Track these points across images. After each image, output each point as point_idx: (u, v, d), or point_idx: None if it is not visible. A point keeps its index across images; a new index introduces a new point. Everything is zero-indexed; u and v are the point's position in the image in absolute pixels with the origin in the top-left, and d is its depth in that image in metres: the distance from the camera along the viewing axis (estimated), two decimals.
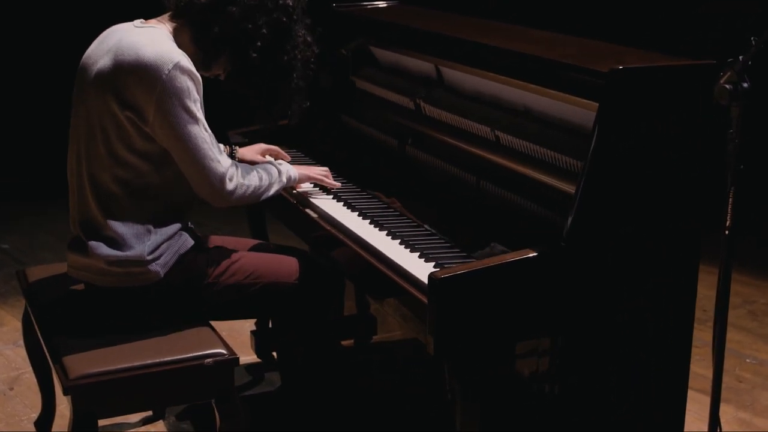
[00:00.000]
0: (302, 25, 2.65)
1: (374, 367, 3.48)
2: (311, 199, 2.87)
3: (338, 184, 2.91)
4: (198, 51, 2.53)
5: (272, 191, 2.70)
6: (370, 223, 2.65)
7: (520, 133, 2.56)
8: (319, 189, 2.95)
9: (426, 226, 2.63)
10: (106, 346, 2.49)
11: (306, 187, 2.93)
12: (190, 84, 2.43)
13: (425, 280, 2.20)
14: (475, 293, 2.15)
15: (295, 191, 2.93)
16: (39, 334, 2.68)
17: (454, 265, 2.29)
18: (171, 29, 2.55)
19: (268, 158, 3.05)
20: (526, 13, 4.21)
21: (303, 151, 3.36)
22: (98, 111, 2.48)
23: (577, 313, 2.23)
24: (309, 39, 2.67)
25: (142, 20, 2.59)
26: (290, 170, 2.79)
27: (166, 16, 2.60)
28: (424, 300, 2.18)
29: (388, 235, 2.56)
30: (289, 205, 2.92)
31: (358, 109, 3.39)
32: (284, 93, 2.67)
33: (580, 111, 2.37)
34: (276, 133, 3.35)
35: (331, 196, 2.90)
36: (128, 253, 2.49)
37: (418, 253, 2.41)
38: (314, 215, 2.81)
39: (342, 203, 2.83)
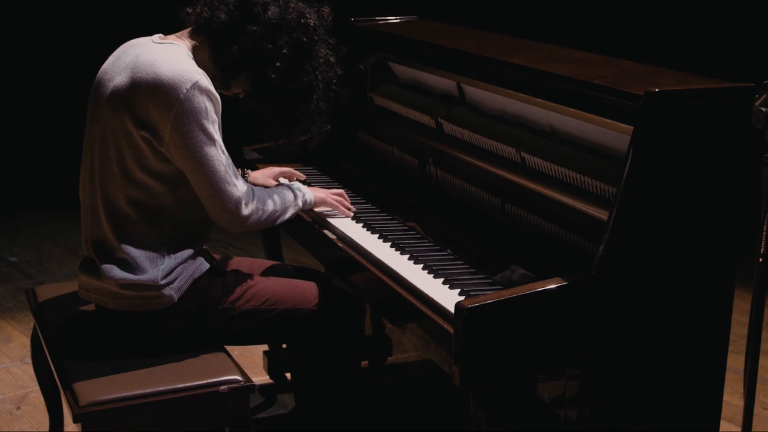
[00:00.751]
0: (325, 45, 2.57)
1: (390, 388, 3.39)
2: (329, 220, 2.79)
3: (351, 213, 2.83)
4: (217, 69, 2.45)
5: (287, 215, 2.62)
6: (391, 246, 2.57)
7: (547, 155, 2.48)
8: None
9: (449, 250, 2.55)
10: (118, 371, 2.41)
11: (322, 207, 2.84)
12: (208, 104, 2.36)
13: (451, 308, 2.13)
14: (502, 323, 2.07)
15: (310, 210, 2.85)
16: (48, 357, 2.59)
17: (480, 294, 2.21)
18: (190, 46, 2.48)
19: (283, 181, 2.97)
20: (545, 29, 4.13)
21: (319, 168, 3.28)
22: (113, 129, 2.41)
23: (607, 341, 2.14)
24: (332, 59, 2.59)
25: (161, 35, 2.52)
26: (306, 194, 2.71)
27: (185, 32, 2.52)
28: (450, 329, 2.10)
29: (410, 259, 2.48)
30: (305, 224, 2.84)
31: (376, 126, 3.32)
32: (304, 114, 2.59)
33: (612, 133, 2.29)
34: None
35: (351, 215, 2.82)
36: (141, 276, 2.41)
37: (442, 279, 2.33)
38: (332, 236, 2.73)
39: (361, 224, 2.75)
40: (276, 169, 3.00)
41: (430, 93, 3.14)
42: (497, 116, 2.78)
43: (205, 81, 2.36)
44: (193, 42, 2.49)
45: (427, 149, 3.01)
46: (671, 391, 2.26)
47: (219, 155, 2.40)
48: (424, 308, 2.24)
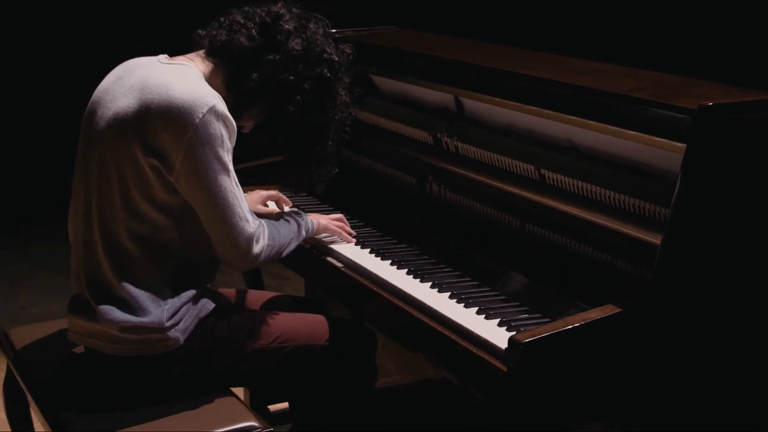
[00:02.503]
0: (342, 84, 2.40)
1: (384, 413, 3.23)
2: (332, 246, 2.62)
3: (353, 239, 2.66)
4: (230, 96, 2.26)
5: (292, 247, 2.44)
6: (408, 273, 2.42)
7: (570, 172, 2.36)
8: None
9: (470, 276, 2.41)
10: (124, 424, 2.20)
11: (323, 233, 2.67)
12: (224, 131, 2.17)
13: (497, 342, 2.00)
14: (558, 354, 1.95)
15: None
16: (39, 412, 2.35)
17: (521, 324, 2.08)
18: (203, 69, 2.28)
19: (271, 205, 2.79)
20: (529, 37, 4.01)
21: (305, 190, 3.10)
22: (116, 156, 2.20)
23: (664, 369, 2.04)
24: (347, 100, 2.42)
25: (166, 56, 2.32)
26: (308, 222, 2.54)
27: (196, 54, 2.33)
28: (495, 363, 1.97)
29: (434, 287, 2.33)
30: (304, 252, 2.66)
31: (362, 143, 3.15)
32: (316, 156, 2.42)
33: (646, 149, 2.18)
34: (272, 169, 3.10)
35: (354, 242, 2.65)
36: (144, 319, 2.21)
37: (475, 309, 2.19)
38: (338, 264, 2.56)
39: (368, 250, 2.58)
40: (263, 193, 2.81)
41: (420, 107, 2.99)
42: (503, 131, 2.65)
43: (222, 106, 2.17)
44: (207, 65, 2.29)
45: (424, 167, 2.87)
46: (726, 419, 2.16)
47: (233, 187, 2.21)
48: (462, 341, 2.09)
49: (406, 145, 2.95)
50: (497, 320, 2.13)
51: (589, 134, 2.33)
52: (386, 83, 3.17)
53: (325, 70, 2.35)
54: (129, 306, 2.22)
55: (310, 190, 2.83)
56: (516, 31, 3.89)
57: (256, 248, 2.28)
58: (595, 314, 1.97)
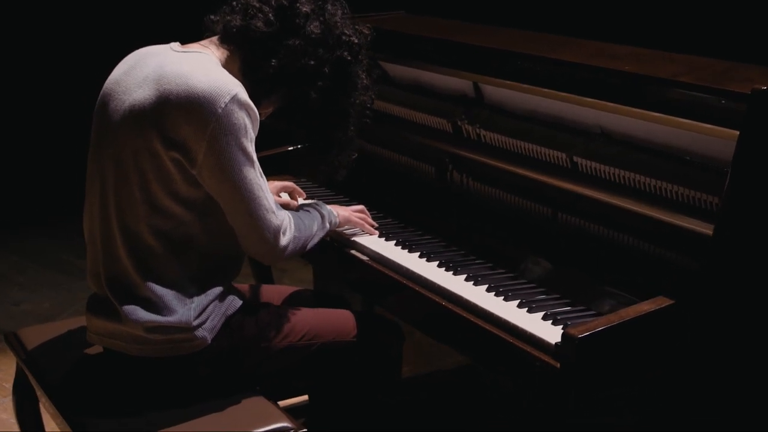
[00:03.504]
0: (362, 67, 2.32)
1: (402, 404, 3.15)
2: (355, 239, 2.54)
3: (376, 231, 2.58)
4: (248, 84, 2.15)
5: (317, 240, 2.36)
6: (440, 266, 2.34)
7: (605, 159, 2.30)
8: None
9: (503, 267, 2.34)
10: (149, 428, 2.11)
11: (346, 226, 2.58)
12: (247, 120, 2.08)
13: (545, 336, 1.94)
14: (612, 346, 1.89)
15: None
16: (58, 414, 2.25)
17: (567, 318, 2.02)
18: (218, 56, 2.18)
19: (284, 197, 2.70)
20: (538, 20, 3.89)
21: (316, 180, 3.01)
22: (134, 150, 2.10)
23: (716, 361, 1.98)
24: (367, 83, 2.34)
25: (178, 44, 2.22)
26: (331, 214, 2.45)
27: (210, 40, 2.23)
28: (549, 361, 1.90)
29: (468, 280, 2.25)
30: (325, 245, 2.57)
31: (375, 131, 3.05)
32: (337, 142, 2.34)
33: (687, 134, 2.12)
34: (285, 159, 3.02)
35: (377, 234, 2.57)
36: (171, 318, 2.11)
37: (516, 302, 2.12)
38: (363, 257, 2.48)
39: (394, 242, 2.50)
40: (277, 184, 2.72)
41: (436, 94, 2.91)
42: (527, 117, 2.58)
43: (244, 94, 2.08)
44: (222, 52, 2.20)
45: (443, 155, 2.79)
46: None
47: (258, 179, 2.12)
48: (506, 336, 2.02)
49: (423, 134, 2.88)
50: (541, 313, 2.06)
51: (624, 120, 2.26)
52: (397, 70, 3.08)
53: (345, 53, 2.26)
54: (154, 305, 2.12)
55: (327, 180, 2.74)
56: (521, 16, 3.80)
57: (284, 241, 2.20)
58: (648, 306, 1.92)
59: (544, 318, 2.04)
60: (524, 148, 2.51)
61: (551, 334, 1.95)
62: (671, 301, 1.92)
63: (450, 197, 2.75)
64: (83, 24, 5.95)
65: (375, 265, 2.44)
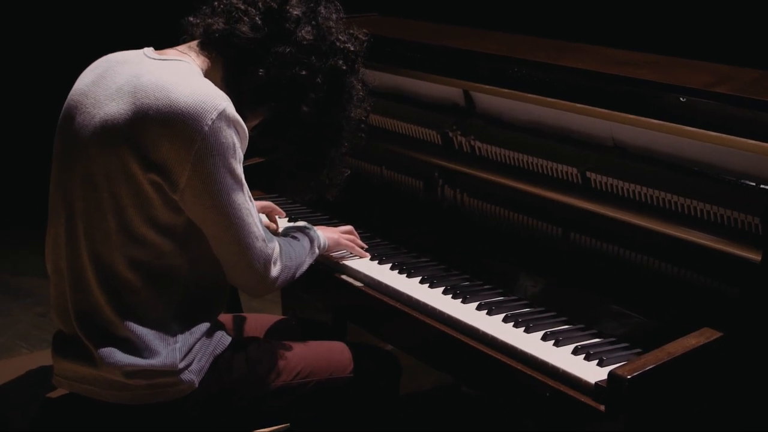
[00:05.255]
0: (358, 76, 2.10)
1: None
2: (345, 263, 2.32)
3: (366, 254, 2.36)
4: (232, 95, 1.90)
5: (305, 268, 2.13)
6: (446, 293, 2.14)
7: (622, 175, 2.12)
8: None
9: (516, 293, 2.15)
10: None
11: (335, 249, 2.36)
12: (236, 139, 1.84)
13: (581, 374, 1.76)
14: (660, 388, 1.71)
15: None
16: None
17: (602, 352, 1.84)
18: (199, 63, 1.94)
19: (263, 218, 2.46)
20: (521, 22, 3.66)
21: (282, 194, 2.77)
22: (107, 171, 1.85)
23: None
24: (363, 94, 2.12)
25: (152, 49, 1.97)
26: (320, 238, 2.23)
27: (189, 46, 1.99)
28: (590, 403, 1.71)
29: (481, 309, 2.06)
30: (311, 269, 2.34)
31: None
32: (329, 159, 2.11)
33: (713, 148, 1.96)
34: (261, 173, 2.78)
35: (368, 257, 2.35)
36: (153, 361, 1.87)
37: (539, 334, 1.94)
38: (356, 283, 2.27)
39: (389, 266, 2.29)
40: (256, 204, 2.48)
41: (420, 102, 2.70)
42: (527, 128, 2.39)
43: (232, 109, 1.84)
44: (203, 60, 1.95)
45: (432, 169, 2.59)
46: None
47: (247, 203, 1.89)
48: (532, 373, 1.84)
49: (407, 145, 2.67)
50: (569, 347, 1.87)
51: (641, 133, 2.09)
52: (374, 77, 2.85)
53: (340, 62, 2.04)
54: (134, 346, 1.87)
55: (316, 200, 2.51)
56: (509, 19, 3.61)
57: (274, 271, 1.97)
58: (695, 340, 1.75)
59: (575, 353, 1.85)
60: (527, 161, 2.32)
61: (588, 372, 1.77)
62: (719, 334, 1.76)
63: (442, 214, 2.55)
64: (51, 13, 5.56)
65: (370, 291, 2.23)
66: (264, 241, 1.94)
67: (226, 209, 1.86)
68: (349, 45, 2.06)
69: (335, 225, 2.46)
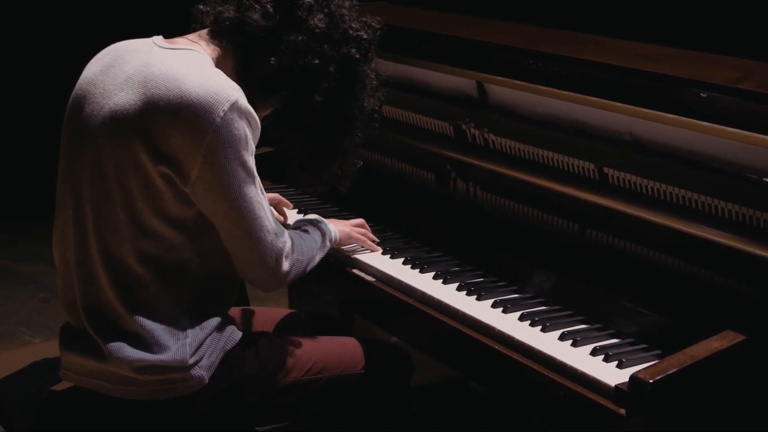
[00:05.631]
0: (371, 65, 2.05)
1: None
2: (357, 257, 2.28)
3: (378, 248, 2.32)
4: (243, 85, 1.86)
5: (316, 262, 2.09)
6: (461, 290, 2.10)
7: (641, 171, 2.08)
8: None
9: (531, 290, 2.11)
10: None
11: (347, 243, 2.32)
12: (248, 130, 1.80)
13: (600, 377, 1.72)
14: (683, 391, 1.68)
15: None
16: None
17: (630, 355, 1.80)
18: (209, 53, 1.89)
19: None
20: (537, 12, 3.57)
21: (292, 185, 2.73)
22: (117, 163, 1.80)
23: None
24: (376, 83, 2.07)
25: (161, 37, 1.92)
26: (331, 231, 2.19)
27: (199, 34, 1.94)
28: (610, 406, 1.68)
29: (496, 307, 2.02)
30: (321, 263, 2.30)
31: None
32: (342, 149, 2.07)
33: (736, 145, 1.92)
34: (269, 162, 2.73)
35: (380, 251, 2.31)
36: (163, 356, 1.83)
37: (556, 334, 1.90)
38: (368, 278, 2.23)
39: (402, 260, 2.25)
40: None
41: (431, 93, 2.65)
42: (543, 122, 2.35)
43: (244, 100, 1.80)
44: (214, 49, 1.91)
45: (444, 161, 2.55)
46: None
47: (259, 196, 1.85)
48: (549, 373, 1.80)
49: (418, 137, 2.62)
50: (588, 347, 1.84)
51: (662, 128, 2.05)
52: (385, 68, 2.81)
53: (353, 50, 1.99)
54: (143, 341, 1.84)
55: (328, 191, 2.47)
56: (524, 10, 3.54)
57: (286, 266, 1.94)
58: (719, 344, 1.71)
59: (594, 353, 1.82)
60: (543, 156, 2.28)
61: (607, 374, 1.73)
62: (742, 337, 1.72)
63: (454, 207, 2.51)
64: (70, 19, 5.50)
65: (382, 286, 2.19)
66: (276, 234, 1.90)
67: (237, 202, 1.82)
68: (362, 33, 2.01)
69: (345, 217, 2.42)
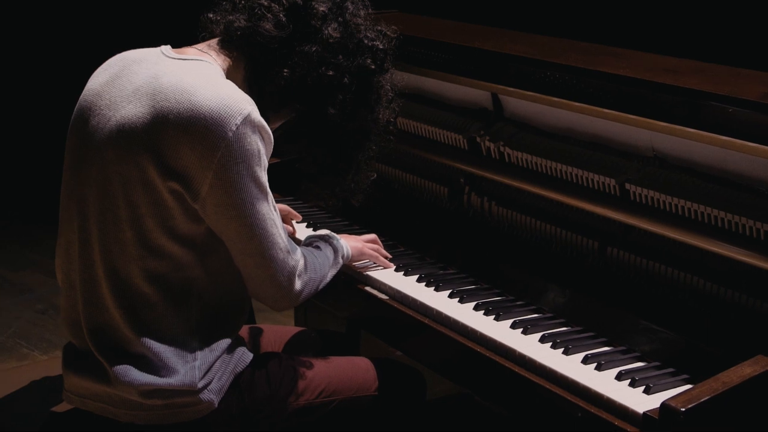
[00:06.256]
0: (387, 76, 1.98)
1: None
2: (370, 274, 2.21)
3: (391, 264, 2.26)
4: (255, 97, 1.79)
5: (328, 279, 2.03)
6: (478, 309, 2.03)
7: (665, 188, 2.02)
8: None
9: (547, 310, 2.05)
10: None
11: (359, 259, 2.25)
12: (260, 145, 1.74)
13: (628, 403, 1.66)
14: (714, 420, 1.61)
15: None
16: None
17: (656, 379, 1.74)
18: (219, 63, 1.82)
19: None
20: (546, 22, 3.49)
21: (304, 199, 2.67)
22: (124, 178, 1.74)
23: None
24: (392, 94, 2.00)
25: (169, 47, 1.85)
26: (344, 247, 2.12)
27: (208, 44, 1.87)
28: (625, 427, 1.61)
29: (515, 327, 1.95)
30: (334, 281, 2.23)
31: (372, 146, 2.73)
32: (356, 162, 2.01)
33: (747, 158, 1.87)
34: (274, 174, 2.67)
35: (393, 267, 2.25)
36: (171, 380, 1.76)
37: (579, 356, 1.83)
38: (381, 296, 2.16)
39: (416, 277, 2.18)
40: None
41: (444, 105, 2.59)
42: (561, 136, 2.28)
43: (257, 113, 1.73)
44: (224, 59, 1.84)
45: (458, 175, 2.49)
46: None
47: (271, 213, 1.78)
48: (573, 398, 1.73)
49: (431, 149, 2.56)
50: (613, 372, 1.77)
51: (687, 144, 1.99)
52: (396, 77, 2.74)
53: (368, 61, 1.92)
54: (151, 364, 1.77)
55: (341, 205, 2.40)
56: (533, 19, 3.48)
57: (298, 284, 1.87)
58: (751, 369, 1.65)
59: (619, 378, 1.75)
60: (562, 170, 2.21)
61: (635, 400, 1.67)
62: None
63: (468, 222, 2.44)
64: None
65: (396, 304, 2.13)
66: (288, 252, 1.83)
67: (249, 219, 1.75)
68: (378, 43, 1.94)
69: (356, 232, 2.35)
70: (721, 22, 3.39)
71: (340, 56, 1.87)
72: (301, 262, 1.89)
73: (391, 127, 2.06)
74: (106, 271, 1.78)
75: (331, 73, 1.86)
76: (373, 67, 1.93)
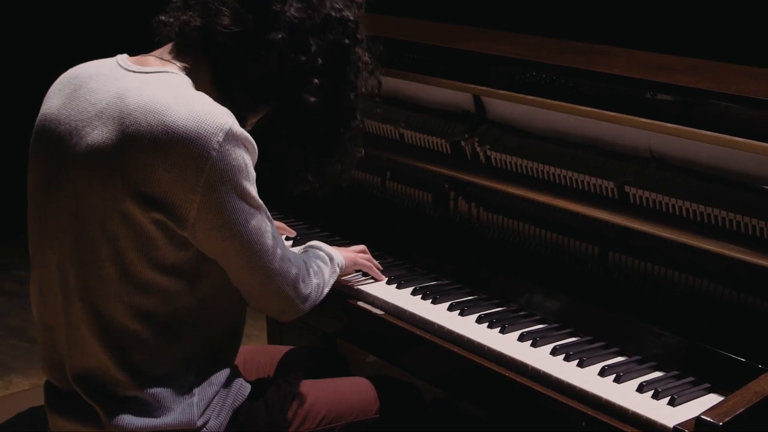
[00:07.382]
0: (362, 45, 1.83)
1: None
2: (362, 288, 2.12)
3: (383, 276, 2.16)
4: (225, 100, 1.66)
5: (330, 286, 1.93)
6: (480, 322, 1.96)
7: (665, 190, 1.95)
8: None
9: (554, 320, 1.97)
10: None
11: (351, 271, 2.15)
12: (246, 158, 1.62)
13: (654, 417, 1.60)
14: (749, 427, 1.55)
15: None
16: None
17: (678, 390, 1.68)
18: (185, 71, 1.68)
19: None
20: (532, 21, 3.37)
21: (278, 209, 2.55)
22: (98, 210, 1.61)
23: None
24: (370, 62, 1.85)
25: (126, 56, 1.71)
26: (337, 256, 2.02)
27: (166, 50, 1.72)
28: None
29: (523, 340, 1.88)
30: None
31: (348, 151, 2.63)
32: (343, 142, 1.87)
33: (748, 156, 1.82)
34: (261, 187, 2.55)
35: (386, 279, 2.15)
36: (168, 419, 1.65)
37: (596, 368, 1.76)
38: (377, 311, 2.07)
39: (410, 290, 2.10)
40: None
41: (423, 108, 2.49)
42: (549, 138, 2.21)
43: (237, 124, 1.61)
44: (187, 64, 1.69)
45: (442, 180, 2.40)
46: None
47: (265, 224, 1.68)
48: (596, 414, 1.66)
49: (412, 155, 2.46)
50: (633, 383, 1.71)
51: (684, 143, 1.93)
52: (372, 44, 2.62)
53: (341, 35, 1.76)
54: (145, 405, 1.65)
55: (331, 189, 2.24)
56: (518, 19, 3.38)
57: (305, 290, 1.79)
58: None
59: (640, 390, 1.68)
60: (558, 174, 2.14)
61: (662, 413, 1.61)
62: None
63: (456, 230, 2.35)
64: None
65: (393, 319, 2.04)
66: (290, 260, 1.74)
67: (245, 237, 1.64)
68: (347, 12, 1.77)
69: (337, 243, 2.25)
70: (712, 18, 3.34)
71: (309, 37, 1.71)
72: (303, 268, 1.79)
73: (376, 99, 1.93)
74: (88, 311, 1.65)
75: (303, 58, 1.70)
76: (347, 41, 1.78)
